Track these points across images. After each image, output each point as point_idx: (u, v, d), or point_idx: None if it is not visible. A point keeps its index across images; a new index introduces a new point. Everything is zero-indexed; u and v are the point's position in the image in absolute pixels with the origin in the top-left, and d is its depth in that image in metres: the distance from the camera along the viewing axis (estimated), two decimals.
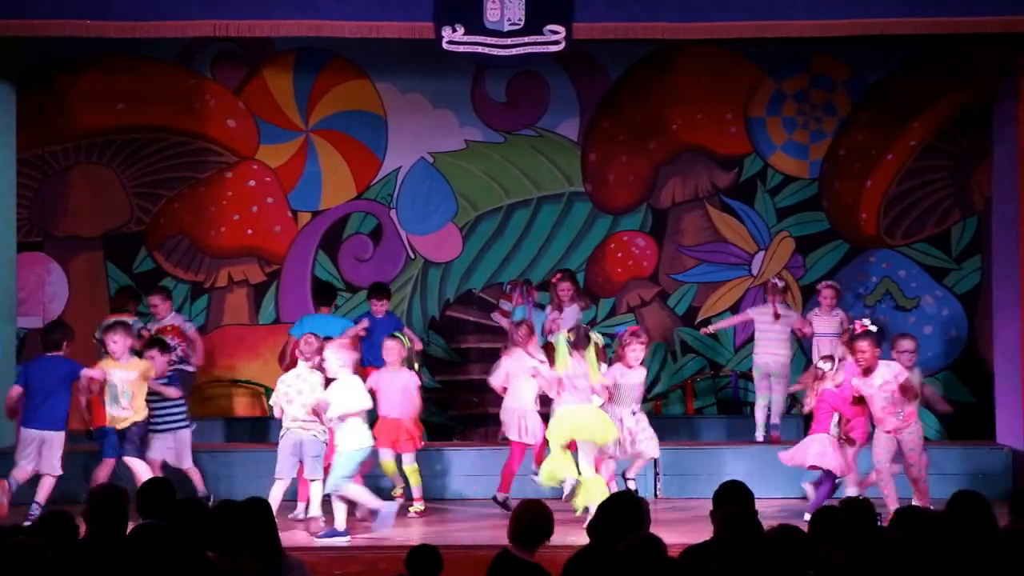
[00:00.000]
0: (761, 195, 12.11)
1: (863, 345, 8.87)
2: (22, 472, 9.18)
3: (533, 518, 5.45)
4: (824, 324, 10.79)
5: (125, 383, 9.28)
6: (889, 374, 8.92)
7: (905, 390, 8.83)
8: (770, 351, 10.71)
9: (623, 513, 5.32)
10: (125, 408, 9.30)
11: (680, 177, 12.09)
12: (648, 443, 9.02)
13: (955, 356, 11.88)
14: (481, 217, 12.14)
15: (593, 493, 8.58)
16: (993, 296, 11.17)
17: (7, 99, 10.63)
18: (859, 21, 9.82)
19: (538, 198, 12.15)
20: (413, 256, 12.09)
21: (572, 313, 10.66)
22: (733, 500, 5.51)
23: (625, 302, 12.07)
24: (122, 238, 11.90)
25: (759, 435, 10.69)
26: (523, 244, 12.12)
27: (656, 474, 10.36)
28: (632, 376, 9.02)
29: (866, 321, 9.14)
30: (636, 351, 8.97)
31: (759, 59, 11.94)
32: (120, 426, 9.30)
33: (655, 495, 10.30)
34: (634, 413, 9.02)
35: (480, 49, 9.71)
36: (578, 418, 8.76)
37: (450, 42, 9.70)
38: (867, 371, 8.90)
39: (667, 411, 11.88)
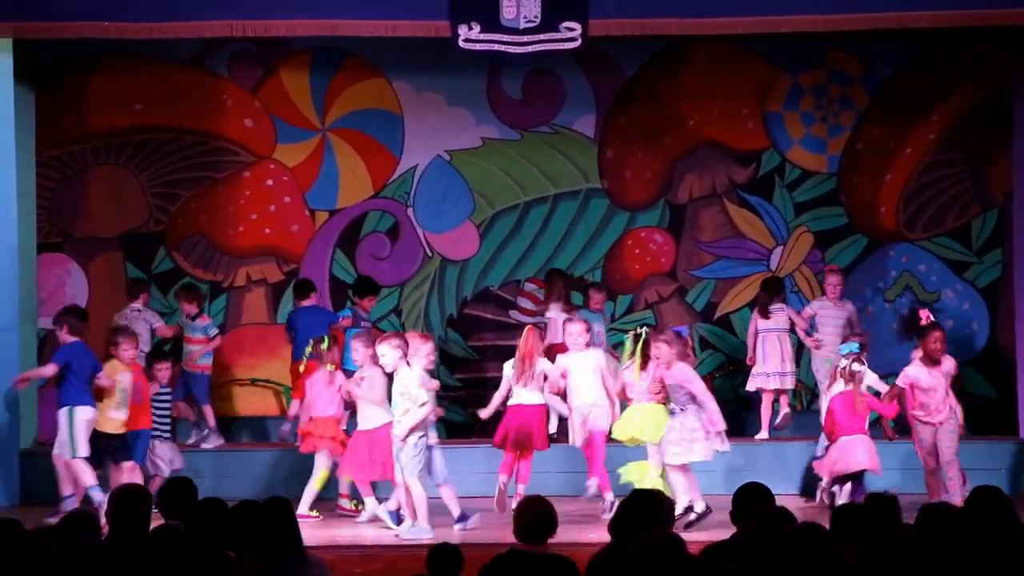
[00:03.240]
0: (779, 190, 12.07)
1: (938, 335, 9.24)
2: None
3: (536, 515, 5.45)
4: (831, 315, 10.78)
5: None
6: (950, 366, 9.30)
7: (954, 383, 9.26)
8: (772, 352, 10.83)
9: (645, 511, 5.31)
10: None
11: (697, 173, 12.07)
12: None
13: (976, 350, 11.83)
14: (498, 215, 12.13)
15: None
16: (1014, 289, 11.14)
17: (26, 100, 10.68)
18: (874, 15, 9.80)
19: (555, 195, 12.13)
20: (430, 254, 12.10)
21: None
22: (754, 502, 5.49)
23: (643, 298, 12.06)
24: (141, 238, 11.93)
25: (765, 434, 10.77)
26: (540, 241, 12.11)
27: None
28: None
29: (929, 312, 9.57)
30: (661, 351, 9.04)
31: (774, 54, 11.90)
32: (119, 431, 9.37)
33: None
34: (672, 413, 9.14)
35: (496, 47, 9.71)
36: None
37: (466, 40, 9.70)
38: (936, 361, 9.24)
39: None
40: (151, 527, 5.46)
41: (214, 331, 11.15)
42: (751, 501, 5.49)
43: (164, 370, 9.96)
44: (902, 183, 12.04)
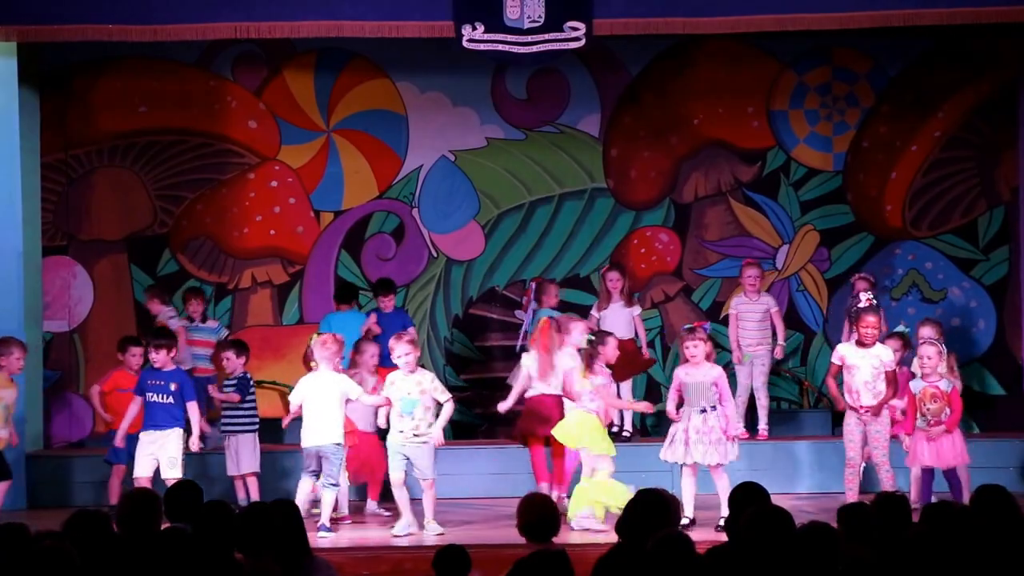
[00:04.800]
0: (784, 188, 12.06)
1: (871, 319, 8.95)
2: None
3: (543, 514, 5.45)
4: (748, 310, 10.84)
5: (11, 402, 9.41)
6: (886, 356, 8.98)
7: (888, 379, 8.90)
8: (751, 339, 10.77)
9: (652, 511, 5.29)
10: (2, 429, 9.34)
11: (702, 171, 12.06)
12: (702, 449, 8.86)
13: (983, 348, 11.81)
14: (503, 214, 12.12)
15: (578, 500, 8.79)
16: (1021, 286, 11.11)
17: (31, 104, 10.70)
18: (880, 12, 9.80)
19: (560, 195, 12.12)
20: (436, 254, 12.09)
21: (614, 313, 10.75)
22: (751, 501, 5.46)
23: (649, 298, 12.03)
24: (146, 241, 11.93)
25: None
26: (546, 241, 12.10)
27: None
28: (696, 375, 8.96)
29: (871, 295, 9.36)
30: (689, 348, 8.95)
31: (780, 52, 11.89)
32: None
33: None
34: (703, 411, 8.93)
35: (500, 47, 9.71)
36: (568, 424, 8.98)
37: (470, 40, 9.70)
38: (863, 344, 8.98)
39: None
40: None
41: (224, 332, 11.16)
42: (748, 500, 5.47)
43: (230, 360, 9.94)
44: (908, 181, 12.01)
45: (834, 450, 10.07)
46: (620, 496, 8.52)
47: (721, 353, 12.01)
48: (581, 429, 8.94)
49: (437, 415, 8.87)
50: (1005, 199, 11.82)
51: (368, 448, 9.42)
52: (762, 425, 10.72)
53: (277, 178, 12.03)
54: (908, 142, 11.99)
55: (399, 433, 8.80)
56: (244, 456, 9.73)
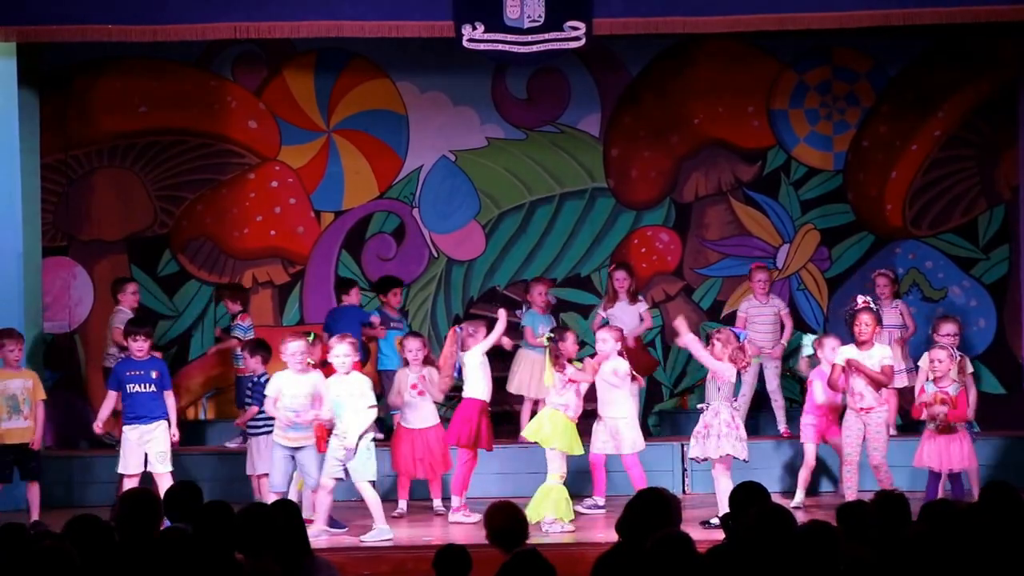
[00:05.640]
0: (785, 188, 12.06)
1: (867, 318, 9.10)
2: None
3: (513, 522, 5.46)
4: (758, 312, 10.92)
5: (24, 392, 9.36)
6: (886, 354, 9.19)
7: (884, 372, 9.08)
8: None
9: (653, 510, 5.30)
10: (27, 418, 9.32)
11: (703, 171, 12.06)
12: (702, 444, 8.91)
13: (984, 347, 11.81)
14: (504, 214, 12.13)
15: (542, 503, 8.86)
16: (1022, 285, 11.12)
17: (31, 104, 10.70)
18: (880, 12, 9.81)
19: (560, 194, 12.13)
20: (436, 255, 12.10)
21: (622, 312, 10.79)
22: (751, 500, 5.46)
23: (650, 297, 12.03)
24: (146, 241, 11.93)
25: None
26: (546, 241, 12.11)
27: (684, 469, 10.37)
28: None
29: (868, 298, 9.45)
30: (715, 348, 8.99)
31: (780, 51, 11.89)
32: (19, 440, 9.27)
33: (683, 491, 10.30)
34: (701, 411, 8.98)
35: (501, 47, 9.72)
36: (538, 421, 9.24)
37: (470, 40, 9.71)
38: (861, 344, 9.13)
39: (693, 405, 11.84)
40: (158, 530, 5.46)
41: (248, 333, 11.11)
42: (748, 500, 5.47)
43: (250, 359, 9.91)
44: (908, 180, 12.02)
45: (834, 450, 10.08)
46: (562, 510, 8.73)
47: None
48: (554, 428, 8.98)
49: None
50: (1005, 198, 11.83)
51: (425, 443, 9.48)
52: (782, 426, 10.83)
53: (277, 178, 12.03)
54: (908, 141, 11.99)
55: (333, 437, 8.82)
56: (260, 458, 9.74)
